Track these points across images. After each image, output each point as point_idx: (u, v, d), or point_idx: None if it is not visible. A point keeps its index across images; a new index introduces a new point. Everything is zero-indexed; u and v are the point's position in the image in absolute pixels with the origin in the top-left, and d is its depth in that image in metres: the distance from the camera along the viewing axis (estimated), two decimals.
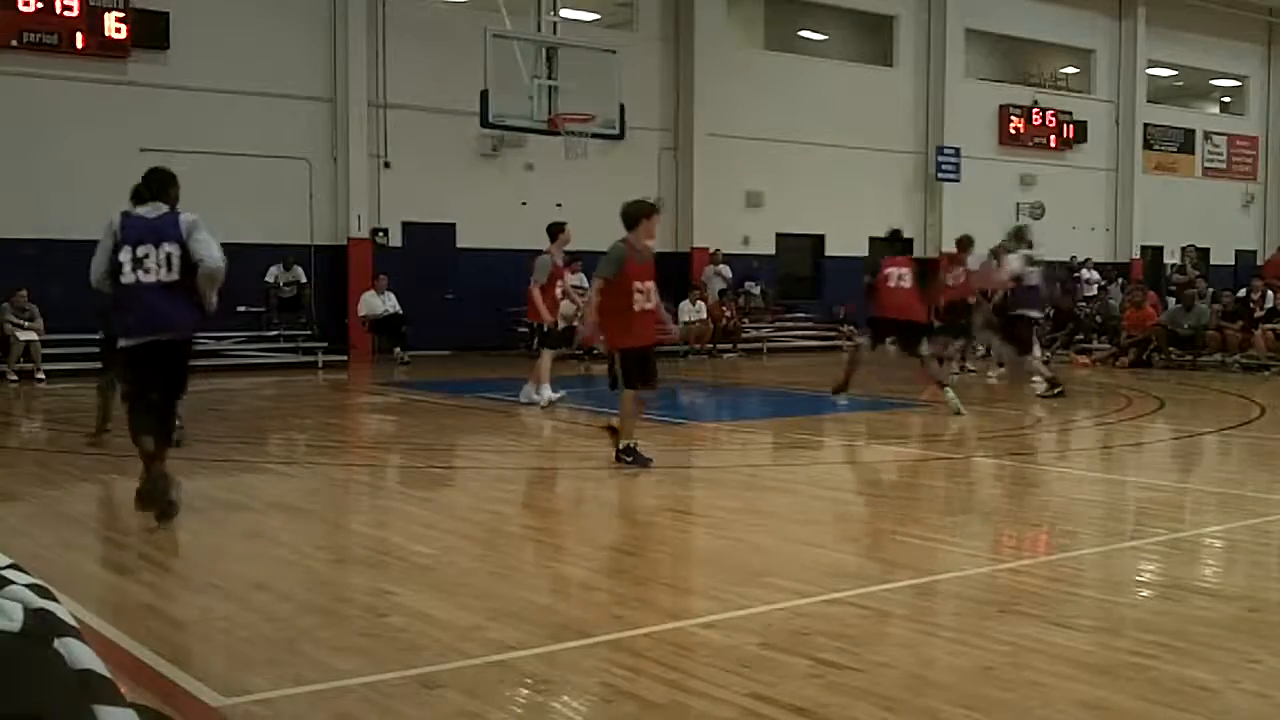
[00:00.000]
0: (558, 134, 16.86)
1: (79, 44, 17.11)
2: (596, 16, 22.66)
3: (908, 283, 12.60)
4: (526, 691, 4.14)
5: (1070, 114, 29.10)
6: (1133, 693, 4.02)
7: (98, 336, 9.80)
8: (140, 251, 6.87)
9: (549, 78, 16.58)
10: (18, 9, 16.67)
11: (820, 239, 25.35)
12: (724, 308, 21.77)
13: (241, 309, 18.27)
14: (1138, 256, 30.41)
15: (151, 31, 17.68)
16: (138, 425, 7.06)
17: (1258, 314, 18.41)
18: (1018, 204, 28.23)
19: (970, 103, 27.03)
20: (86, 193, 15.25)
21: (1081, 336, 21.21)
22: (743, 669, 4.20)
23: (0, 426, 12.41)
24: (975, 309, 15.20)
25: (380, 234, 20.03)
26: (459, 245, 20.72)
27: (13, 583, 0.75)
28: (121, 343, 7.06)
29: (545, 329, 12.98)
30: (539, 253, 13.16)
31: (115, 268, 6.89)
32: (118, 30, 17.34)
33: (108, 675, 0.74)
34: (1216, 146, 32.75)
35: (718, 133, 23.12)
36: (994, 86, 28.23)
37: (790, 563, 6.11)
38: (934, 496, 8.51)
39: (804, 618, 4.92)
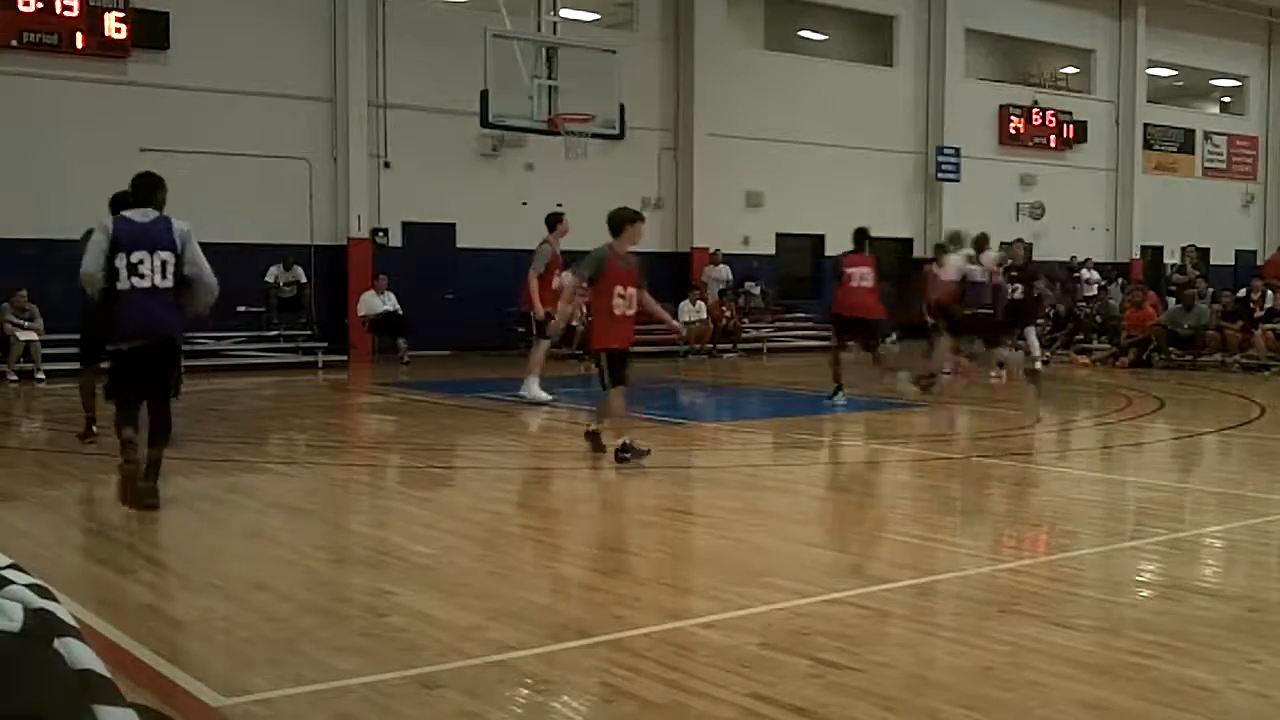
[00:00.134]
0: (558, 134, 16.85)
1: (79, 44, 17.10)
2: (596, 16, 22.66)
3: (869, 282, 13.05)
4: (526, 691, 4.14)
5: (1070, 114, 29.10)
6: (1133, 693, 4.02)
7: (76, 336, 9.92)
8: (135, 257, 6.97)
9: (549, 78, 16.57)
10: (18, 9, 16.67)
11: (820, 239, 25.34)
12: (724, 308, 21.77)
13: (241, 309, 18.29)
14: (1138, 256, 30.41)
15: (151, 31, 17.68)
16: (123, 419, 7.23)
17: (1258, 314, 18.41)
18: (1018, 204, 28.24)
19: (970, 103, 27.03)
20: (87, 193, 15.18)
21: (1081, 336, 21.21)
22: (743, 669, 4.20)
23: (0, 426, 12.41)
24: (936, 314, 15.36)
25: (380, 234, 20.03)
26: (459, 245, 20.72)
27: (13, 583, 0.75)
28: (112, 346, 7.18)
29: (538, 320, 12.93)
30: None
31: (110, 273, 6.98)
32: (118, 30, 17.34)
33: (108, 675, 0.74)
34: (1216, 146, 32.75)
35: (718, 133, 23.12)
36: (994, 86, 28.23)
37: (790, 563, 6.11)
38: (934, 496, 8.51)
39: (804, 618, 4.92)
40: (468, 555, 6.31)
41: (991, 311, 14.20)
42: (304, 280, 18.90)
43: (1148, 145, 30.91)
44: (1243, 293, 19.53)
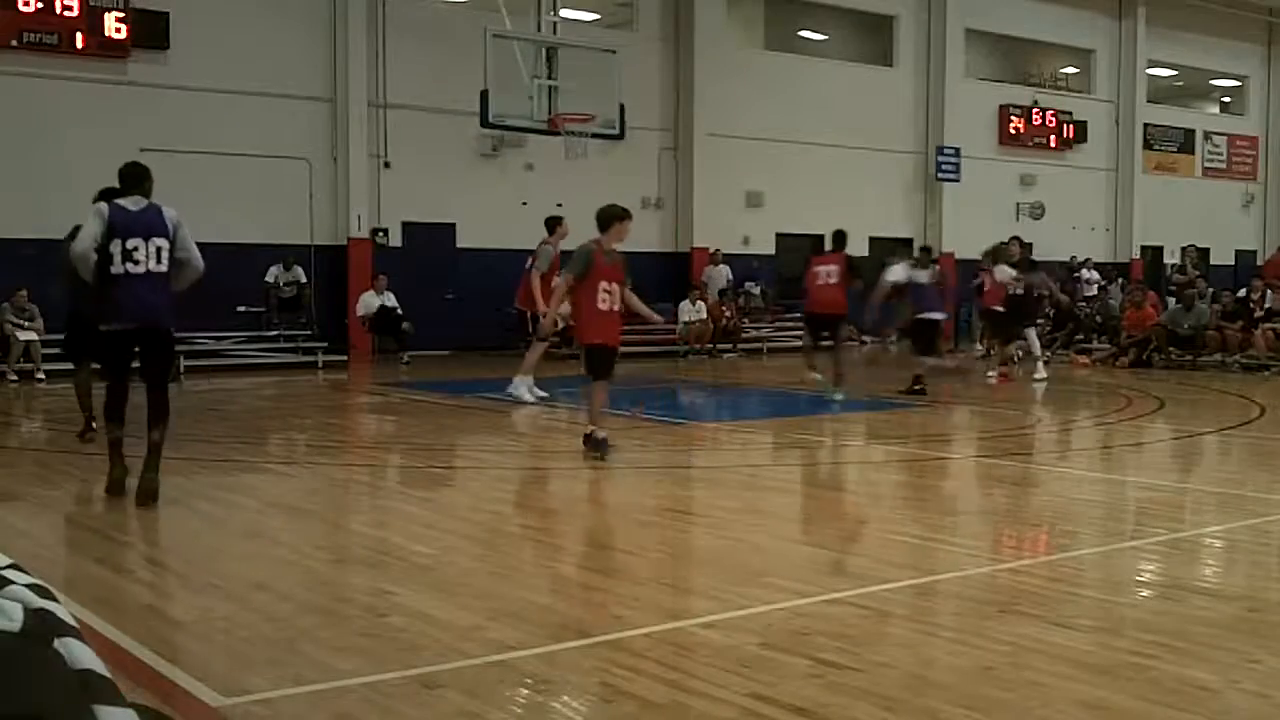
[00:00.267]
0: (558, 134, 16.85)
1: (79, 44, 17.11)
2: (596, 16, 22.66)
3: (835, 279, 13.39)
4: (526, 691, 4.14)
5: (1070, 114, 29.11)
6: (1133, 693, 4.02)
7: (61, 336, 10.10)
8: (130, 244, 7.24)
9: (549, 78, 16.57)
10: (18, 9, 16.67)
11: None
12: (724, 308, 21.77)
13: (241, 309, 18.30)
14: (1138, 256, 30.41)
15: (151, 31, 17.68)
16: (112, 414, 7.53)
17: (1258, 314, 18.41)
18: (1018, 204, 28.25)
19: (970, 103, 27.03)
20: (86, 193, 15.01)
21: (1081, 336, 21.22)
22: (743, 669, 4.20)
23: (0, 426, 12.41)
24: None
25: (380, 234, 20.04)
26: (459, 245, 20.72)
27: (13, 583, 0.75)
28: (104, 328, 7.40)
29: (537, 318, 12.95)
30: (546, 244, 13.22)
31: (105, 258, 7.23)
32: (118, 30, 17.34)
33: (108, 675, 0.74)
34: (1216, 146, 32.76)
35: (718, 133, 23.12)
36: (994, 86, 28.23)
37: (790, 563, 6.11)
38: (934, 496, 8.51)
39: (804, 618, 4.92)
40: (468, 555, 6.31)
41: (938, 320, 14.54)
42: (304, 280, 18.90)
43: (1148, 145, 30.92)
44: (1243, 293, 19.53)
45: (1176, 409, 13.70)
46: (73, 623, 0.75)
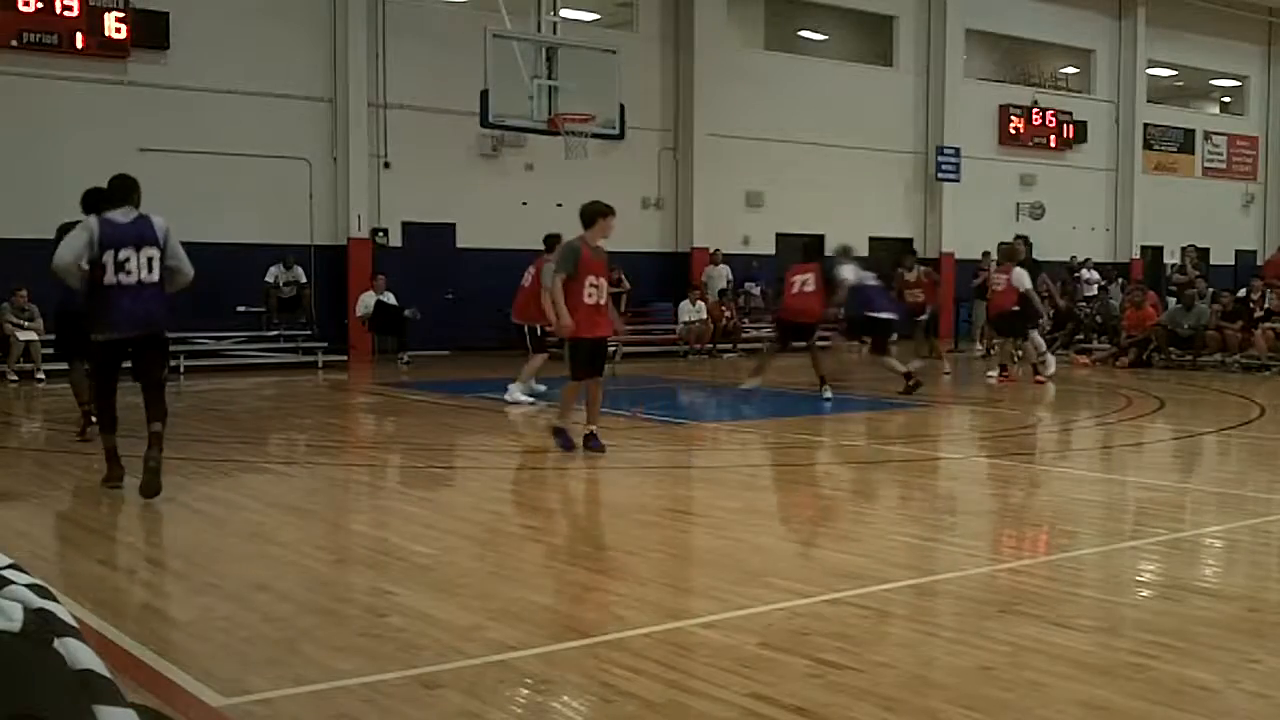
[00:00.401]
0: (558, 134, 16.85)
1: (79, 44, 17.11)
2: (596, 16, 22.66)
3: (810, 288, 13.61)
4: (526, 691, 4.14)
5: (1070, 114, 29.11)
6: (1133, 693, 4.02)
7: (52, 337, 10.34)
8: (121, 255, 7.40)
9: (549, 78, 16.56)
10: (18, 9, 16.67)
11: (820, 239, 25.31)
12: (724, 308, 21.77)
13: (241, 309, 18.31)
14: (1138, 256, 30.42)
15: (151, 31, 17.69)
16: (105, 422, 7.76)
17: (1258, 314, 18.40)
18: (1018, 204, 28.25)
19: (970, 103, 27.03)
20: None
21: (1081, 336, 21.22)
22: (743, 669, 4.20)
23: (0, 426, 12.41)
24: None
25: (380, 234, 20.04)
26: (459, 245, 20.73)
27: (13, 583, 0.75)
28: (98, 337, 7.59)
29: (541, 331, 13.00)
30: (538, 253, 13.18)
31: (97, 270, 7.39)
32: (118, 30, 17.34)
33: (108, 675, 0.74)
34: (1216, 146, 32.76)
35: (718, 133, 23.13)
36: (994, 86, 28.23)
37: (790, 563, 6.12)
38: (934, 496, 8.51)
39: (804, 618, 4.92)
40: (468, 555, 6.31)
41: (892, 317, 14.71)
42: (304, 280, 18.90)
43: (1148, 145, 30.92)
44: (1243, 293, 19.52)
45: (1176, 409, 13.70)
46: (73, 623, 0.75)
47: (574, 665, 4.39)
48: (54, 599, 0.76)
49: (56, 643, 0.73)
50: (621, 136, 17.88)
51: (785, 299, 14.13)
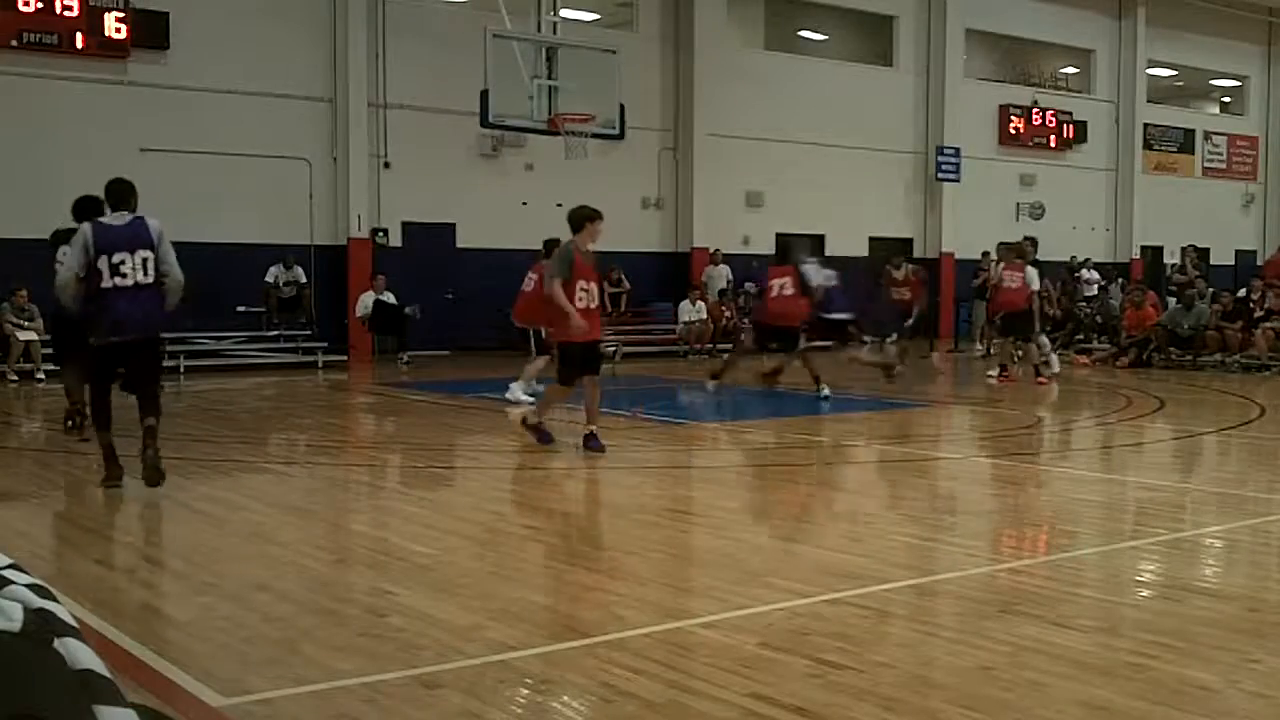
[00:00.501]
0: (558, 134, 16.84)
1: (79, 44, 17.10)
2: (596, 16, 22.65)
3: (789, 291, 13.66)
4: (526, 691, 4.14)
5: (1070, 114, 29.10)
6: (1133, 693, 4.02)
7: (48, 337, 10.50)
8: (116, 258, 7.50)
9: (549, 78, 16.56)
10: (18, 9, 16.66)
11: (820, 239, 25.34)
12: (724, 308, 21.76)
13: (241, 309, 18.30)
14: (1138, 256, 30.41)
15: (151, 31, 17.68)
16: (101, 421, 7.88)
17: (1258, 314, 18.40)
18: (1018, 204, 28.25)
19: (970, 103, 27.03)
20: (88, 193, 15.24)
21: (1081, 336, 21.22)
22: (743, 669, 4.20)
23: (0, 426, 12.41)
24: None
25: (380, 234, 20.04)
26: (459, 245, 20.72)
27: (13, 583, 0.75)
28: (95, 341, 7.67)
29: (545, 334, 13.03)
30: (537, 253, 13.19)
31: (94, 274, 7.49)
32: (118, 30, 17.34)
33: (108, 675, 0.73)
34: (1216, 146, 32.75)
35: (718, 133, 23.12)
36: (994, 86, 28.23)
37: (790, 563, 6.12)
38: (934, 496, 8.51)
39: (804, 618, 4.92)
40: (468, 555, 6.31)
41: (848, 317, 14.78)
42: (304, 280, 18.89)
43: (1148, 145, 30.91)
44: (1243, 293, 19.52)
45: (1176, 409, 13.70)
46: (73, 623, 0.75)
47: (574, 665, 4.39)
48: (54, 599, 0.76)
49: (56, 643, 0.73)
50: (621, 136, 17.88)
51: (765, 302, 14.11)
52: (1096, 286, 23.93)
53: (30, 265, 16.09)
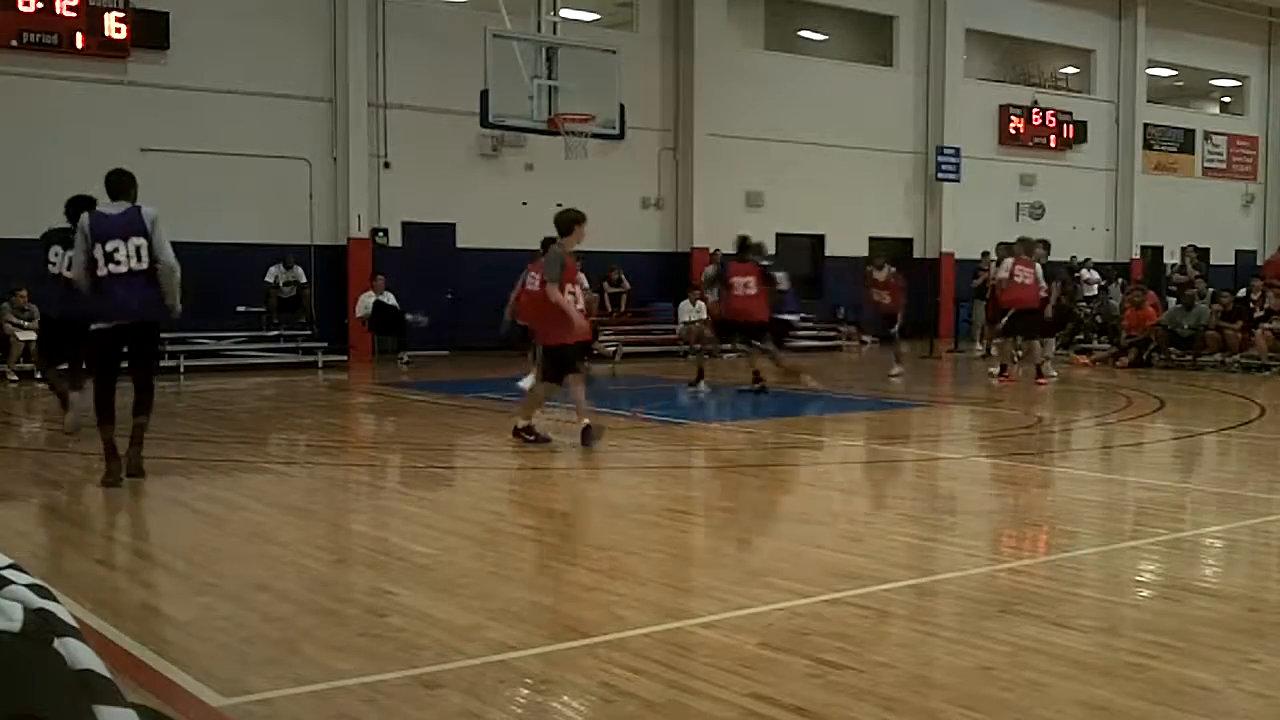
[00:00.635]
0: (558, 134, 16.85)
1: (79, 44, 17.11)
2: (596, 16, 22.66)
3: (753, 289, 13.81)
4: (526, 691, 4.14)
5: (1070, 114, 29.11)
6: (1133, 693, 4.02)
7: (34, 336, 10.75)
8: (110, 246, 7.69)
9: (549, 78, 16.57)
10: (18, 9, 16.67)
11: (820, 239, 25.35)
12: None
13: (241, 309, 18.30)
14: (1138, 256, 30.41)
15: (151, 31, 17.69)
16: (103, 415, 8.03)
17: (1258, 314, 18.40)
18: (1018, 204, 28.25)
19: (970, 103, 27.03)
20: (87, 193, 15.23)
21: (1081, 336, 21.22)
22: (743, 669, 4.20)
23: (0, 426, 12.41)
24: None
25: (380, 234, 20.04)
26: (459, 245, 20.72)
27: (13, 583, 0.75)
28: (94, 327, 7.87)
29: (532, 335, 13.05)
30: (537, 253, 13.18)
31: (91, 263, 7.73)
32: (118, 30, 17.34)
33: (108, 675, 0.73)
34: (1216, 146, 32.75)
35: (718, 133, 23.12)
36: (994, 86, 28.23)
37: (790, 563, 6.11)
38: (934, 496, 8.51)
39: (804, 618, 4.92)
40: (468, 555, 6.31)
41: (791, 321, 14.88)
42: (304, 280, 18.90)
43: (1148, 145, 30.92)
44: (1243, 293, 19.52)
45: (1176, 409, 13.70)
46: (73, 623, 0.75)
47: (574, 665, 4.39)
48: (54, 599, 0.76)
49: (56, 643, 0.73)
50: (621, 136, 17.88)
51: (731, 300, 14.05)
52: (1096, 286, 23.94)
53: (30, 265, 16.09)
